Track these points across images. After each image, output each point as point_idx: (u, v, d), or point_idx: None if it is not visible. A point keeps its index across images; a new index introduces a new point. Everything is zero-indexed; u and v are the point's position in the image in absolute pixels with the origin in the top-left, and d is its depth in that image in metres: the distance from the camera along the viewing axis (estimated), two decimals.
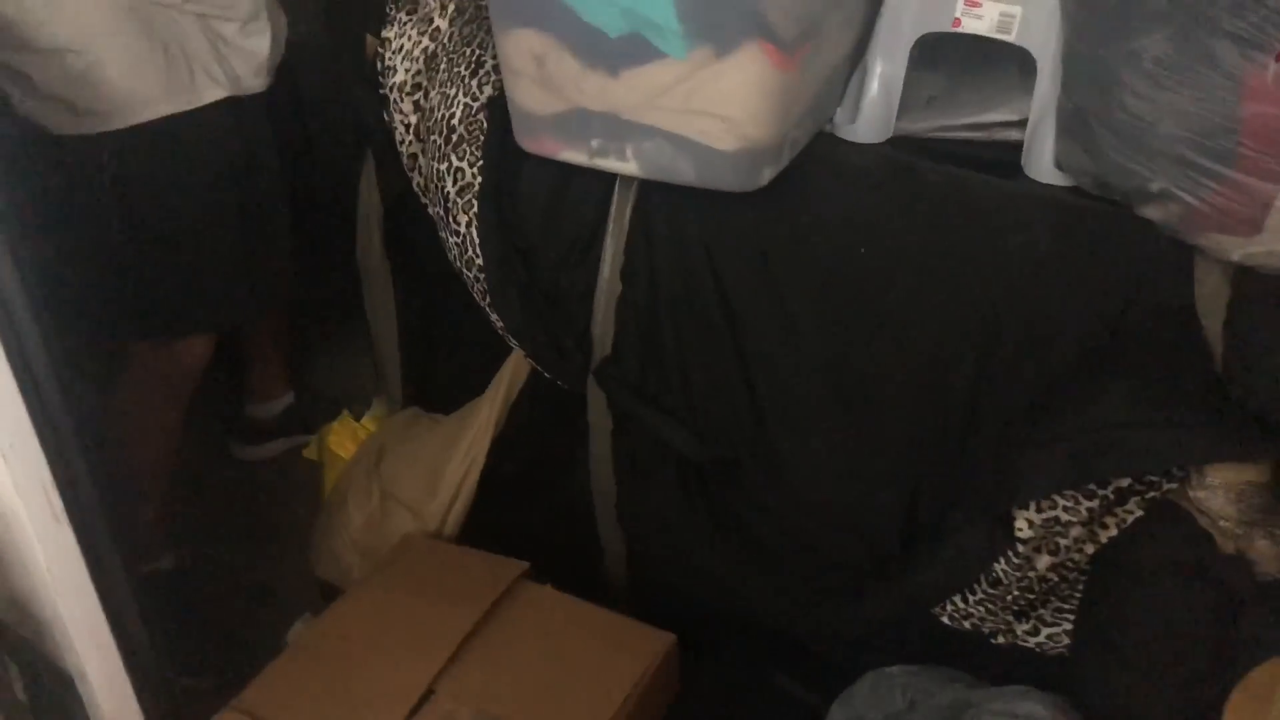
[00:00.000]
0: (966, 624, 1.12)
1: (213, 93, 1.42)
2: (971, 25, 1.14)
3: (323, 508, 1.68)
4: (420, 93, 1.36)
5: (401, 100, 1.37)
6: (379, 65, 1.40)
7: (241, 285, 1.57)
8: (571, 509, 1.55)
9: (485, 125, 1.35)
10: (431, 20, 1.36)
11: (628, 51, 1.09)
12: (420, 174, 1.41)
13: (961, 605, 1.11)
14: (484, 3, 1.38)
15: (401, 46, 1.36)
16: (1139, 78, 0.96)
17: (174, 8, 1.36)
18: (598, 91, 1.13)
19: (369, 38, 1.41)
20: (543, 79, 1.16)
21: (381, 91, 1.40)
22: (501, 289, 1.36)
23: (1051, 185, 1.11)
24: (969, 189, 1.13)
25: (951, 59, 1.22)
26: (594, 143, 1.18)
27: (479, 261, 1.36)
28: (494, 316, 1.39)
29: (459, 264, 1.39)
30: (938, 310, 1.13)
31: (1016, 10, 1.11)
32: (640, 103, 1.12)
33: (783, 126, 1.11)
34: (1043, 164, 1.12)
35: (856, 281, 1.16)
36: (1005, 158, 1.17)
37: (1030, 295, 1.08)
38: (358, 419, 1.83)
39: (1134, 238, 1.02)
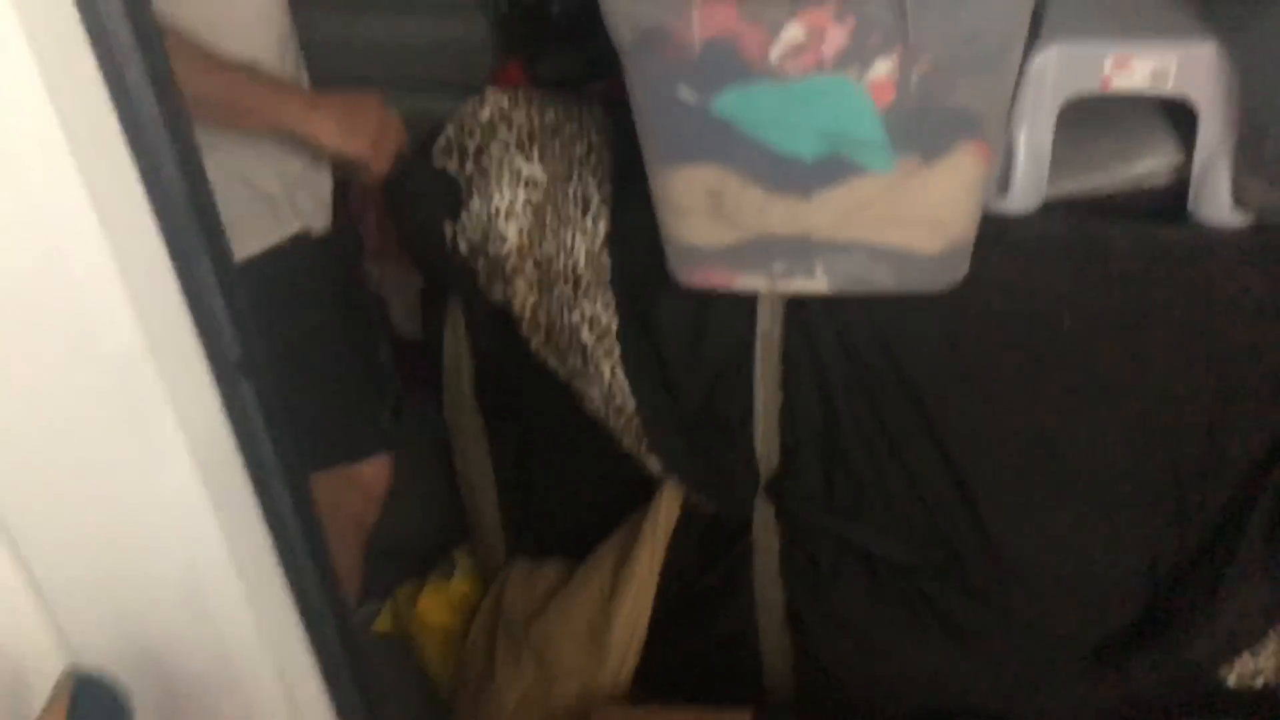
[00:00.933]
0: (1258, 681, 1.12)
1: (292, 225, 1.30)
2: (1123, 82, 1.14)
3: (457, 690, 1.54)
4: (537, 248, 1.26)
5: (523, 264, 1.27)
6: (466, 245, 1.29)
7: (383, 404, 1.46)
8: (728, 632, 1.47)
9: (609, 263, 1.26)
10: (521, 172, 1.26)
11: (824, 173, 1.03)
12: (540, 330, 1.30)
13: (1252, 663, 1.11)
14: (565, 133, 1.30)
15: (499, 210, 1.25)
16: None
17: (244, 144, 1.25)
18: (786, 217, 1.07)
19: (446, 223, 1.30)
20: (717, 212, 1.09)
21: (478, 265, 1.29)
22: (659, 430, 1.27)
23: (1232, 226, 1.12)
24: (1159, 243, 1.12)
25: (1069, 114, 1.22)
26: (777, 266, 1.12)
27: (631, 406, 1.27)
28: (652, 459, 1.30)
29: (604, 412, 1.29)
30: (1159, 372, 1.12)
31: (1172, 62, 1.12)
32: (837, 221, 1.06)
33: (979, 218, 1.09)
34: (1220, 205, 1.13)
35: (1063, 357, 1.14)
36: (1162, 205, 1.17)
37: (1256, 341, 1.08)
38: (447, 578, 1.69)
39: None
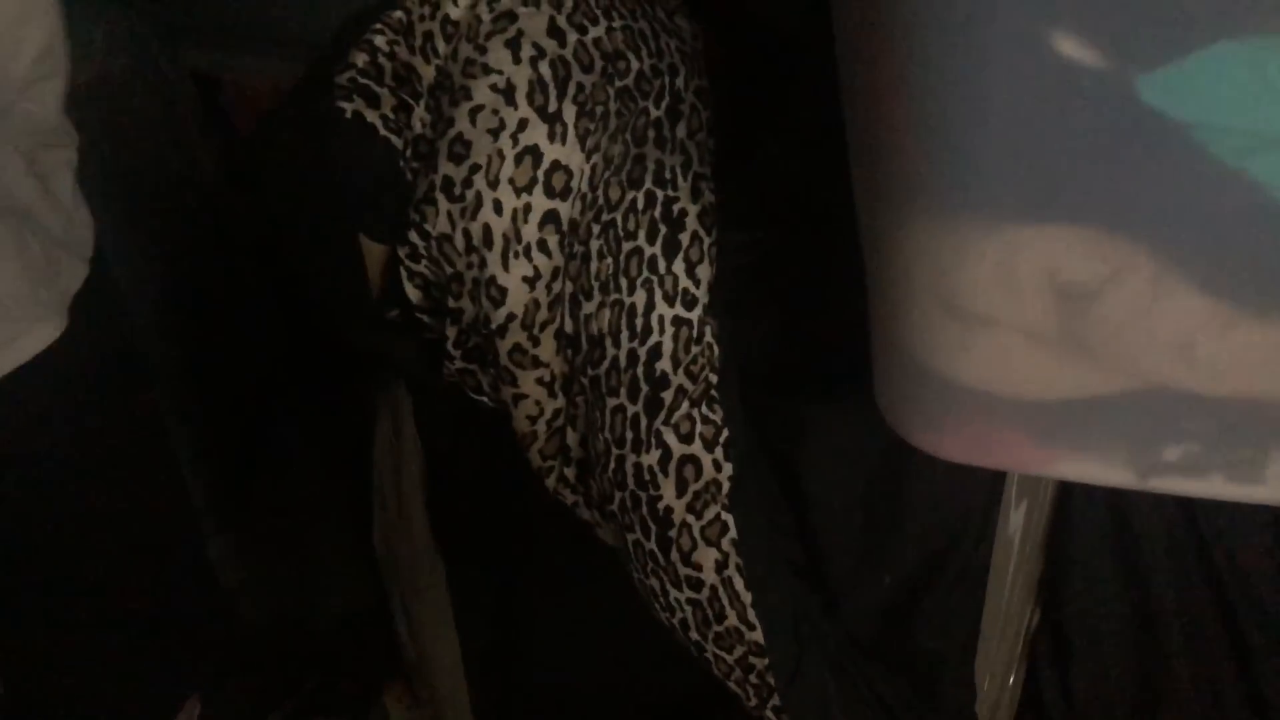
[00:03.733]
0: None
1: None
2: None
3: None
4: (565, 315, 0.61)
5: (534, 344, 0.61)
6: (419, 290, 0.63)
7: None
8: None
9: (715, 352, 0.62)
10: (540, 154, 0.58)
11: None
12: (569, 464, 0.66)
13: None
14: (630, 72, 0.62)
15: (492, 232, 0.58)
16: None
17: None
18: (1244, 359, 0.44)
19: (366, 242, 0.62)
20: (1065, 331, 0.45)
21: (445, 332, 0.63)
22: (801, 687, 0.66)
23: None
24: None
25: None
26: (1170, 452, 0.49)
27: (753, 634, 0.65)
28: None
29: (694, 634, 0.67)
30: None
31: None
32: None
33: None
34: None
35: None
36: None
37: None
38: None
39: None
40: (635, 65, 0.61)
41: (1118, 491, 0.63)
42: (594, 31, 0.60)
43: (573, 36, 0.60)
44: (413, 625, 0.88)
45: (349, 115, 0.63)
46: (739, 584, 0.63)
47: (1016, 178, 0.40)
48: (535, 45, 0.59)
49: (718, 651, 0.66)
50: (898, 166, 0.43)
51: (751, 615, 0.63)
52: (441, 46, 0.62)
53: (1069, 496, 0.65)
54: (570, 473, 0.67)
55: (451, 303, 0.62)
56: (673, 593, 0.65)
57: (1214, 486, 0.49)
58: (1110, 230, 0.41)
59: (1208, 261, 0.41)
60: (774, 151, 0.69)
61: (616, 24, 0.61)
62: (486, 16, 0.59)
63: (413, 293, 0.65)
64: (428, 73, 0.63)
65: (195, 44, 0.83)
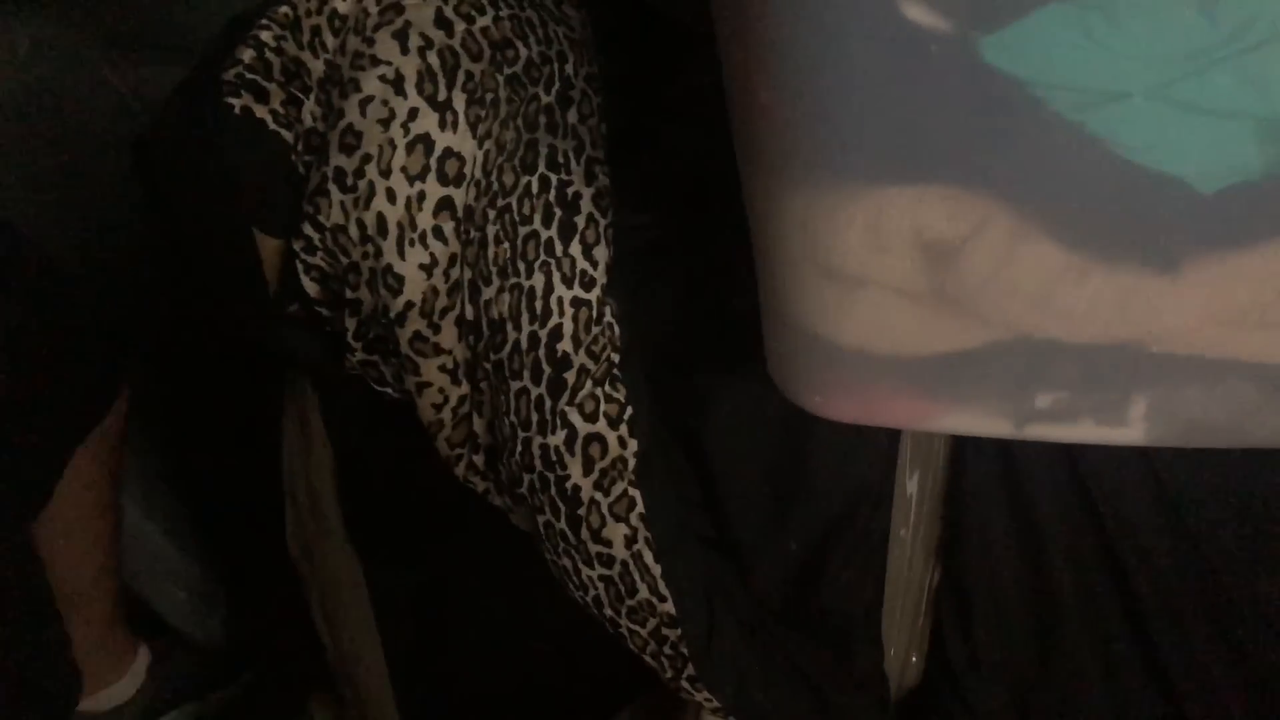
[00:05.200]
0: None
1: None
2: None
3: None
4: (464, 301, 0.61)
5: (435, 330, 0.61)
6: (316, 283, 0.63)
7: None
8: None
9: (616, 331, 0.63)
10: (431, 143, 0.59)
11: (1233, 216, 0.43)
12: (476, 450, 0.66)
13: None
14: (519, 58, 0.63)
15: (387, 221, 0.59)
16: None
17: None
18: (1109, 306, 0.46)
19: (261, 237, 0.62)
20: (933, 287, 0.47)
21: (343, 324, 0.63)
22: (714, 654, 0.67)
23: None
24: None
25: None
26: (1042, 400, 0.51)
27: (664, 606, 0.66)
28: (700, 694, 0.70)
29: (608, 610, 0.68)
30: None
31: None
32: (1225, 316, 0.46)
33: None
34: None
35: None
36: None
37: None
38: None
39: None
40: (524, 53, 0.62)
41: (1008, 453, 0.66)
42: (481, 21, 0.61)
43: (460, 26, 0.60)
44: (333, 626, 0.88)
45: (238, 111, 0.63)
46: (648, 557, 0.64)
47: (877, 142, 0.43)
48: (423, 36, 0.59)
49: (631, 626, 0.67)
50: (768, 136, 0.45)
51: (662, 587, 0.65)
52: (330, 40, 0.63)
53: (962, 459, 0.67)
54: (479, 460, 0.68)
55: (349, 294, 0.63)
56: (585, 571, 0.66)
57: (1085, 431, 0.52)
58: (968, 188, 0.43)
59: (1059, 214, 0.43)
60: (668, 133, 0.71)
61: (504, 13, 0.62)
62: (373, 9, 0.60)
63: (310, 286, 0.65)
64: (317, 67, 0.63)
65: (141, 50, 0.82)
